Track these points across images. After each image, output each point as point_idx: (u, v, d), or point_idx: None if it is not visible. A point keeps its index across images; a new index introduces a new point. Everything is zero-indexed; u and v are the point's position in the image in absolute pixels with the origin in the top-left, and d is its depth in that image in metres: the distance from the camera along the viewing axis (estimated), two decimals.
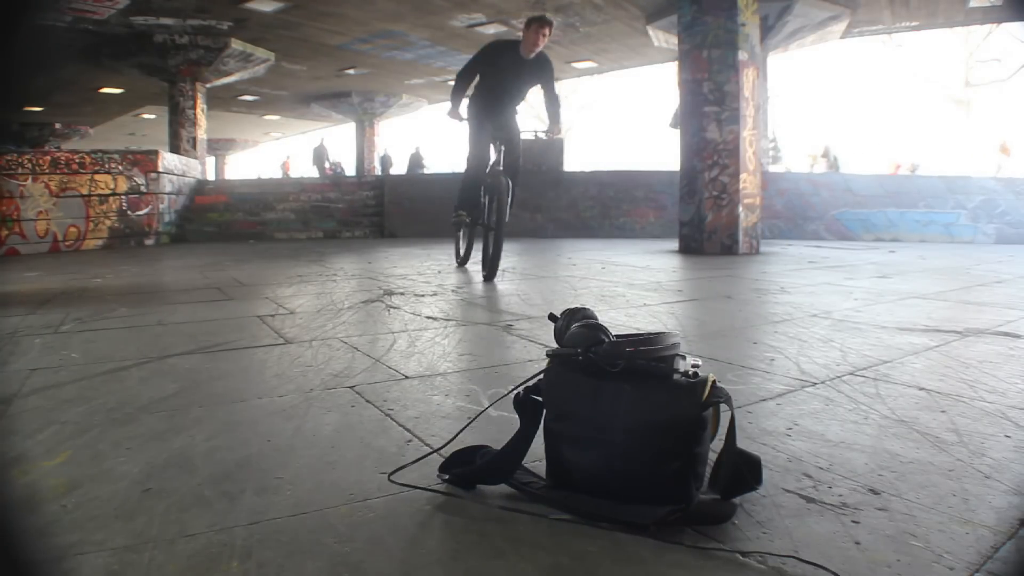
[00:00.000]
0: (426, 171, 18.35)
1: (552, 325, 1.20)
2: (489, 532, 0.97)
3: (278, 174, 23.21)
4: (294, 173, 23.17)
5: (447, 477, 1.13)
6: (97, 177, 8.46)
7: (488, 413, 1.50)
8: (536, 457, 1.14)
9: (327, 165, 20.41)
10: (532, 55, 4.19)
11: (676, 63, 7.36)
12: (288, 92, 17.37)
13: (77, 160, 8.40)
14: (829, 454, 1.26)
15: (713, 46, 6.72)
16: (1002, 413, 1.50)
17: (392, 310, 3.11)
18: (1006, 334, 2.43)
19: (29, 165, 8.01)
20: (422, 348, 2.24)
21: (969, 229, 8.98)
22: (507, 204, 4.28)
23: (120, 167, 8.69)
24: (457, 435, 1.24)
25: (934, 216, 9.12)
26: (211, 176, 20.60)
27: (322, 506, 1.05)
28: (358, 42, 12.34)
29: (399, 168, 19.06)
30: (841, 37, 11.92)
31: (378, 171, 18.68)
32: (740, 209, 6.69)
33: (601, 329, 1.09)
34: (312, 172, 19.49)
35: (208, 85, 12.97)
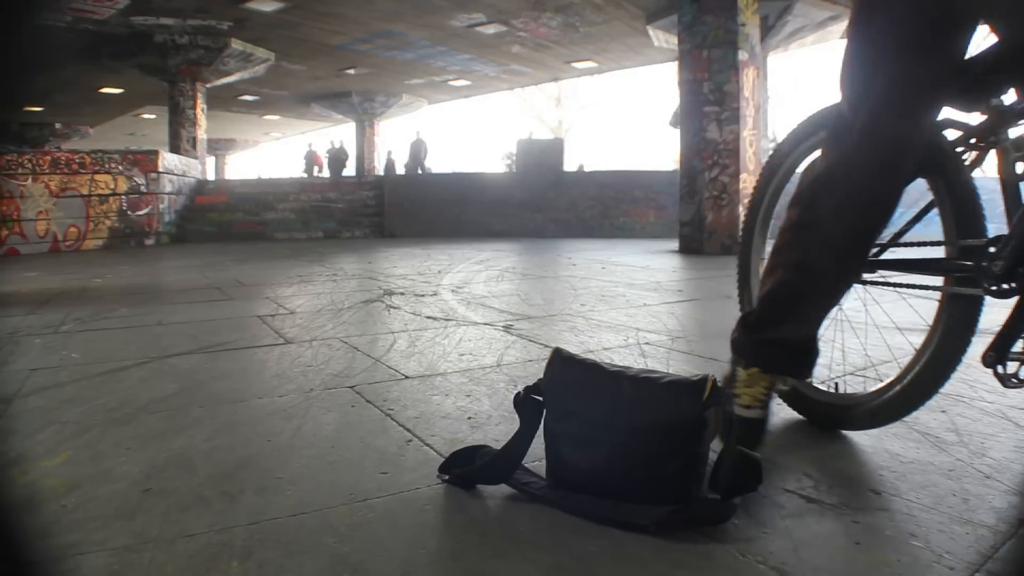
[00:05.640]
0: (428, 163, 18.02)
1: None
2: (489, 532, 0.97)
3: (302, 170, 22.54)
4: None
5: (447, 477, 1.13)
6: (97, 177, 8.47)
7: (488, 412, 1.51)
8: (536, 457, 1.14)
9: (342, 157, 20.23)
10: None
11: (676, 63, 7.36)
12: (288, 92, 17.36)
13: (77, 160, 8.40)
14: (829, 454, 1.26)
15: (713, 46, 6.73)
16: (1002, 413, 1.50)
17: (392, 310, 3.11)
18: None
19: (29, 165, 8.02)
20: (422, 348, 2.24)
21: None
22: None
23: (120, 167, 8.69)
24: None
25: (935, 215, 9.09)
26: (211, 176, 20.56)
27: (322, 506, 1.05)
28: (358, 42, 12.33)
29: (427, 157, 18.37)
30: (841, 37, 11.89)
31: (406, 159, 18.30)
32: (740, 209, 6.69)
33: None
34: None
35: (208, 85, 12.96)
